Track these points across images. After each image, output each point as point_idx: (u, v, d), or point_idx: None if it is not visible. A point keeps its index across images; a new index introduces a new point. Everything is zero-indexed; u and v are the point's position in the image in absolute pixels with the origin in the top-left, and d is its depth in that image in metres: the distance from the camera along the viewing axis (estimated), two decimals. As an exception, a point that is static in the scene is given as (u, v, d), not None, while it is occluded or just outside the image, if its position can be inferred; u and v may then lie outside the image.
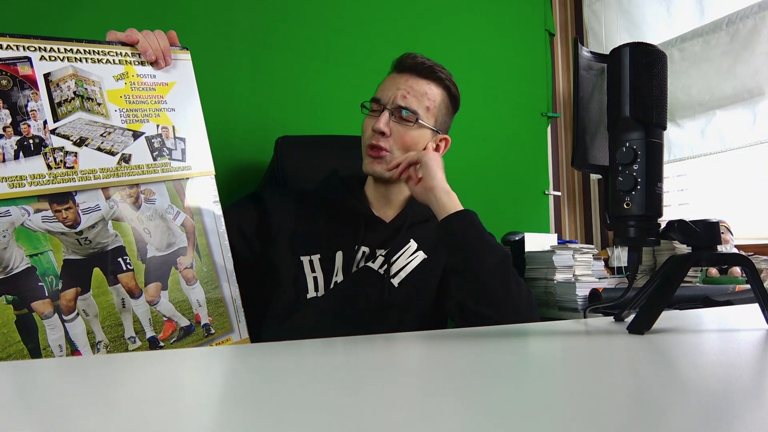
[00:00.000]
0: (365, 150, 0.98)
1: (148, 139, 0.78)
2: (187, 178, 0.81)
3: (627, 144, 0.54)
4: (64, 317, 0.67)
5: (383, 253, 0.96)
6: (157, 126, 0.79)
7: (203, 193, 0.83)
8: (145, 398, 0.29)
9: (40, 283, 0.66)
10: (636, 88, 0.54)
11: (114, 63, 0.76)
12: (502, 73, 2.05)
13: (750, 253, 1.55)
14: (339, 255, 0.96)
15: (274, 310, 0.93)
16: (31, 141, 0.68)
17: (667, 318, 0.63)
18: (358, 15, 1.70)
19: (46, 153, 0.69)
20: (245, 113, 1.47)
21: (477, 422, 0.23)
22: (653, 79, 0.54)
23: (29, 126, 0.68)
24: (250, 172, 1.44)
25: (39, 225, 0.67)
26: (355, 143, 1.08)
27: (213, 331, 0.80)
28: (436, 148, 1.02)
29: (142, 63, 0.79)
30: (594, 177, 2.30)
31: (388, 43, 1.72)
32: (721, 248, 1.47)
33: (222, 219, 0.84)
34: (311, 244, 0.96)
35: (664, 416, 0.24)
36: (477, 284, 0.83)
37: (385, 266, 0.95)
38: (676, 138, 1.95)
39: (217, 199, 0.84)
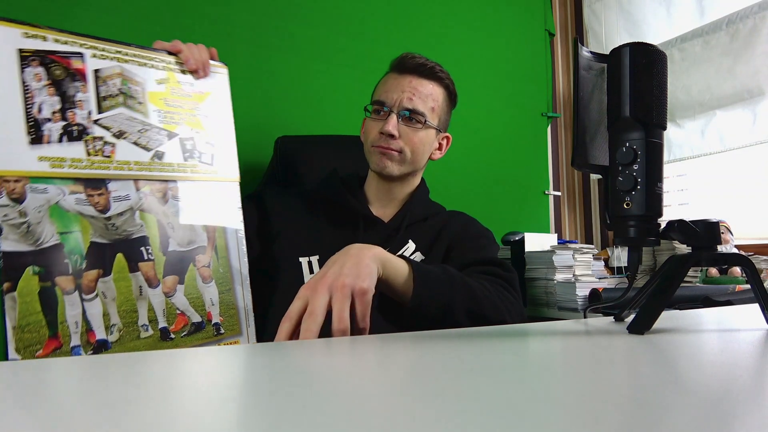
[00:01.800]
0: (372, 149, 0.98)
1: (181, 141, 0.82)
2: (214, 182, 0.85)
3: (627, 144, 0.54)
4: (84, 296, 0.70)
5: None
6: (191, 130, 0.84)
7: (227, 198, 0.86)
8: (146, 398, 0.29)
9: (66, 260, 0.69)
10: (636, 88, 0.54)
11: (158, 68, 0.82)
12: (502, 73, 2.05)
13: (750, 253, 1.55)
14: (338, 255, 0.95)
15: (275, 312, 0.92)
16: (75, 127, 0.73)
17: (667, 318, 0.63)
18: (358, 15, 1.70)
19: (87, 140, 0.74)
20: (245, 113, 1.46)
21: (477, 422, 0.23)
22: (653, 79, 0.54)
23: (75, 114, 0.73)
24: (250, 172, 1.44)
25: (72, 206, 0.71)
26: (356, 143, 1.08)
27: (222, 331, 0.81)
28: (439, 147, 1.05)
29: (183, 72, 0.85)
30: (594, 177, 2.30)
31: (388, 43, 1.72)
32: (721, 248, 1.47)
33: (242, 224, 0.87)
34: (310, 246, 0.96)
35: (664, 416, 0.24)
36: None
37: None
38: (676, 138, 1.95)
39: (240, 205, 0.87)
